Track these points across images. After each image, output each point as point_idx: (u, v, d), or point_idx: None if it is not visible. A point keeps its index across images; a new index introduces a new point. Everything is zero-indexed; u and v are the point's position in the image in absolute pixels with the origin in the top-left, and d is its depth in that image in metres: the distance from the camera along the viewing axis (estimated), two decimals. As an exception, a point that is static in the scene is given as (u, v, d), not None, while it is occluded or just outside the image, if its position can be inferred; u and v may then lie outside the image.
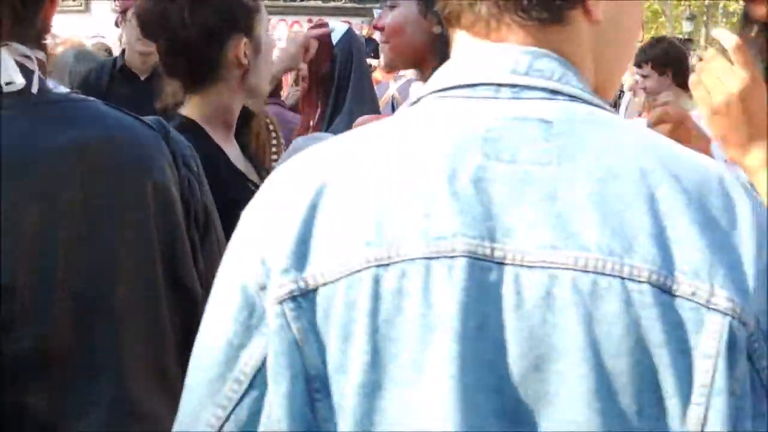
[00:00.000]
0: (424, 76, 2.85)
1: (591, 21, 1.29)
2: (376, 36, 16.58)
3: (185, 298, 1.86)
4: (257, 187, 2.86)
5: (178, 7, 2.80)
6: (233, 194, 2.69)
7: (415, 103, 1.31)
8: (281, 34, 13.35)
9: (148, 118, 1.92)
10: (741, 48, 2.13)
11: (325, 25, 5.11)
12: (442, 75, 1.32)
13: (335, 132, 4.86)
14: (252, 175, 3.03)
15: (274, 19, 15.38)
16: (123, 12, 5.61)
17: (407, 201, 1.17)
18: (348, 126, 5.43)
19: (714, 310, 1.12)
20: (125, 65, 5.80)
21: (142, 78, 5.70)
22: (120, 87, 5.74)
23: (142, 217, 1.79)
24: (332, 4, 19.25)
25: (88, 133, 1.77)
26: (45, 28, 1.83)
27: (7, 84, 1.72)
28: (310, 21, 19.19)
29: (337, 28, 5.92)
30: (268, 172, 3.20)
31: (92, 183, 1.74)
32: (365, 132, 1.30)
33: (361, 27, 17.86)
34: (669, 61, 6.28)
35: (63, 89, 1.84)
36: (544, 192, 1.16)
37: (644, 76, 6.57)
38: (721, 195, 1.19)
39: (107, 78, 5.91)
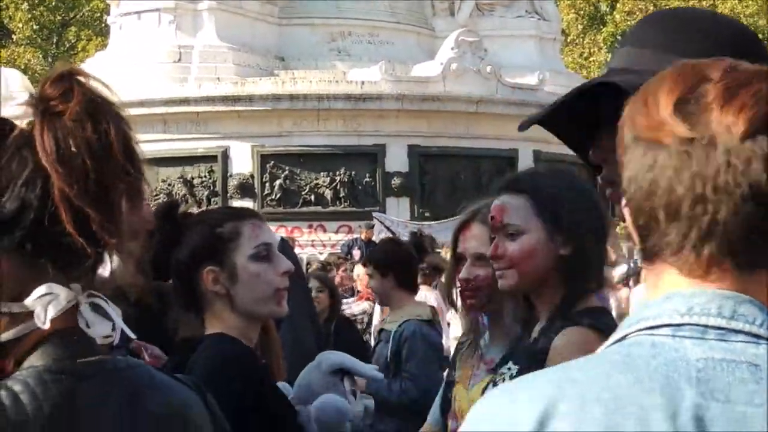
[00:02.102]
0: (543, 298, 3.02)
1: None
2: (375, 239, 16.70)
3: None
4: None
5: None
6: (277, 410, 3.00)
7: (622, 339, 1.36)
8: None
9: (186, 378, 1.95)
10: None
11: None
12: (648, 311, 1.36)
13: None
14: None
15: (274, 225, 15.56)
16: None
17: None
18: (290, 341, 5.46)
19: None
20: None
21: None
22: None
23: None
24: (330, 209, 19.49)
25: (152, 404, 1.77)
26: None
27: (105, 337, 1.72)
28: (310, 227, 19.52)
29: None
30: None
31: None
32: (584, 364, 1.36)
33: (360, 231, 18.08)
34: (391, 264, 6.12)
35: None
36: None
37: (369, 276, 6.51)
38: None
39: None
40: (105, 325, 1.71)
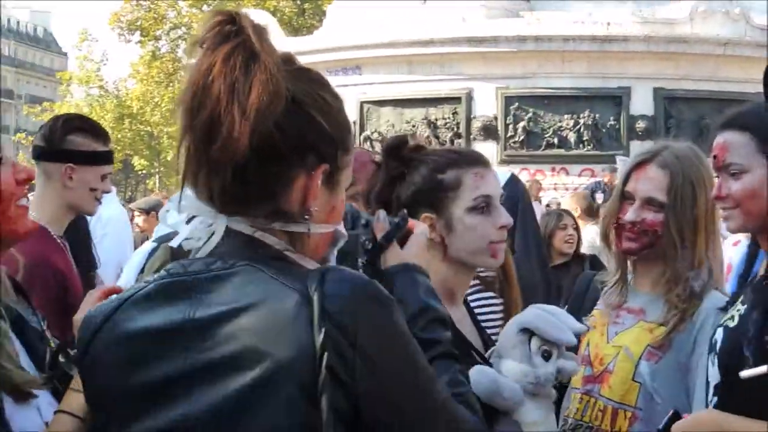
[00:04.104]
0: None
1: None
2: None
3: None
4: (479, 354, 2.91)
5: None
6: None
7: None
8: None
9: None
10: None
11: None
12: None
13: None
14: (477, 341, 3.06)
15: (516, 167, 15.63)
16: None
17: None
18: (524, 266, 5.52)
19: None
20: None
21: None
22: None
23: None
24: (574, 152, 19.39)
25: (235, 303, 1.92)
26: (302, 203, 2.01)
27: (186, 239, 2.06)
28: (552, 170, 19.48)
29: (499, 174, 6.00)
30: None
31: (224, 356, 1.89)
32: None
33: (603, 174, 17.94)
34: None
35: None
36: None
37: None
38: None
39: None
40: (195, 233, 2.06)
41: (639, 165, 3.48)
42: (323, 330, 1.81)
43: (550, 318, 2.91)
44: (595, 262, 8.05)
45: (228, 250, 1.99)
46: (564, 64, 19.60)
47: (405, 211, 2.51)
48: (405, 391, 1.90)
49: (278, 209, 1.99)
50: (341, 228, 2.14)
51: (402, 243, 2.43)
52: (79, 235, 4.99)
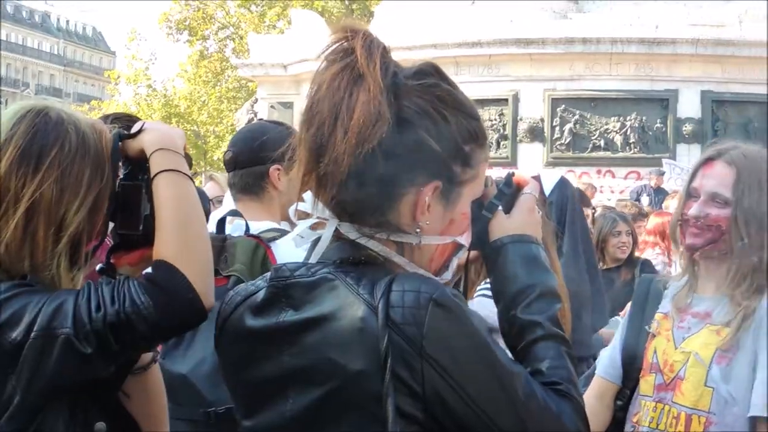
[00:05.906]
0: None
1: None
2: (665, 186, 16.52)
3: None
4: None
5: None
6: None
7: None
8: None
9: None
10: None
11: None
12: None
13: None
14: None
15: (563, 170, 15.63)
16: None
17: None
18: (572, 269, 5.56)
19: None
20: None
21: None
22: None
23: None
24: (620, 155, 19.36)
25: (311, 312, 1.99)
26: (412, 217, 2.02)
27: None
28: (598, 172, 19.46)
29: (549, 177, 6.06)
30: None
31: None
32: None
33: (649, 177, 17.91)
34: None
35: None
36: None
37: None
38: None
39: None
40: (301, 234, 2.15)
41: (706, 162, 3.47)
42: (386, 337, 1.84)
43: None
44: (646, 266, 8.01)
45: (331, 254, 2.04)
46: (612, 66, 19.55)
47: (511, 172, 2.29)
48: (482, 393, 1.89)
49: (386, 221, 2.01)
50: (462, 238, 2.11)
51: (510, 208, 2.20)
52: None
